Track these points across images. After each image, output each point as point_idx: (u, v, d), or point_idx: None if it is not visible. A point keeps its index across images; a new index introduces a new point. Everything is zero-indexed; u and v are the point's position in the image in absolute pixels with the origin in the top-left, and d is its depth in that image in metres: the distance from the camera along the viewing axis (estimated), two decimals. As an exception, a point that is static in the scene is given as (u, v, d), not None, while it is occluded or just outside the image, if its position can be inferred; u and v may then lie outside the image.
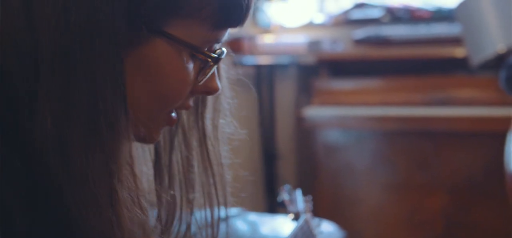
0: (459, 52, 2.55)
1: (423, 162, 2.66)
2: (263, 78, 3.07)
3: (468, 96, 2.58)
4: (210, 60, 0.67)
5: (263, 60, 2.99)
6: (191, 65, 0.66)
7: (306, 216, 1.08)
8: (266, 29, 3.27)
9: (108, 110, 0.59)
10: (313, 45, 2.98)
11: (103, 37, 0.59)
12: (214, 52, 0.68)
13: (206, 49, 0.67)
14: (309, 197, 1.14)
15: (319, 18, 3.24)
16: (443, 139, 2.62)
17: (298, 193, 1.15)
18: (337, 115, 2.80)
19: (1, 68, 0.60)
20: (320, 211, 2.76)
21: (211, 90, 0.71)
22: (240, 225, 1.27)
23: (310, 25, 3.25)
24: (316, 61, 2.93)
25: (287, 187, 1.14)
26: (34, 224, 0.59)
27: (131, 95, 0.62)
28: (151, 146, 0.78)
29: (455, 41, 2.55)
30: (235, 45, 3.07)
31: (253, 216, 1.32)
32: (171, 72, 0.64)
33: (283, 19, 3.27)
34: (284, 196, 1.10)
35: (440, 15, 2.91)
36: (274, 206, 2.84)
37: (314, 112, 2.81)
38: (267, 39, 3.15)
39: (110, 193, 0.60)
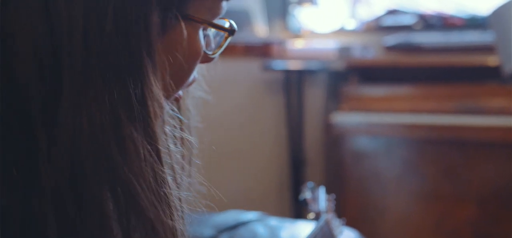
0: (491, 60, 2.51)
1: (452, 172, 2.62)
2: (292, 83, 3.06)
3: (499, 106, 2.53)
4: (226, 32, 0.71)
5: (293, 65, 2.98)
6: (203, 40, 0.69)
7: (327, 216, 1.05)
8: (297, 34, 3.27)
9: (152, 97, 0.60)
10: (344, 51, 2.96)
11: (137, 32, 0.59)
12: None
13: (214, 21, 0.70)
14: (332, 196, 1.11)
15: (351, 24, 3.22)
16: (473, 148, 2.58)
17: (321, 191, 1.12)
18: (366, 122, 2.77)
19: (14, 72, 0.58)
20: (346, 217, 2.74)
21: (212, 59, 0.74)
22: (260, 229, 1.26)
23: (341, 31, 3.23)
24: (346, 67, 2.91)
25: (310, 184, 1.12)
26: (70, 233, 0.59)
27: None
28: None
29: (488, 49, 2.51)
30: (265, 50, 3.07)
31: (274, 221, 1.31)
32: (191, 51, 0.67)
33: (314, 24, 3.26)
34: (306, 194, 1.08)
35: (474, 23, 2.87)
36: (301, 212, 2.82)
37: (343, 118, 2.79)
38: (297, 44, 3.14)
39: (162, 180, 0.61)
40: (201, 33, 0.68)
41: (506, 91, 2.55)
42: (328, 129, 2.90)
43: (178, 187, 0.66)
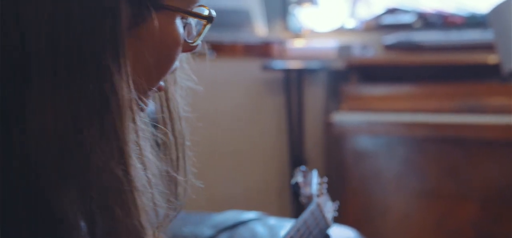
0: (491, 59, 2.51)
1: (453, 170, 2.62)
2: (293, 83, 3.05)
3: (500, 104, 2.53)
4: (204, 20, 0.70)
5: (293, 64, 2.98)
6: (182, 29, 0.69)
7: (318, 199, 1.03)
8: (297, 34, 3.26)
9: (115, 96, 0.60)
10: (344, 50, 2.95)
11: (106, 25, 0.59)
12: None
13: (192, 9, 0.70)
14: (325, 179, 1.10)
15: (350, 23, 3.22)
16: (474, 147, 2.58)
17: (314, 175, 1.10)
18: (366, 121, 2.77)
19: None
20: (347, 217, 2.75)
21: (196, 46, 0.74)
22: (259, 228, 1.26)
23: (341, 30, 3.22)
24: (346, 66, 2.91)
25: (303, 168, 1.10)
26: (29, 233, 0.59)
27: (133, 72, 0.63)
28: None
29: (488, 47, 2.51)
30: (265, 49, 3.07)
31: (273, 220, 1.31)
32: (170, 41, 0.67)
33: (314, 23, 3.26)
34: (297, 178, 1.06)
35: (473, 21, 2.86)
36: (300, 208, 2.82)
37: (343, 117, 2.79)
38: (297, 44, 3.14)
39: (128, 181, 0.60)
40: (178, 22, 0.68)
41: (506, 90, 2.54)
42: (329, 128, 2.90)
43: (150, 185, 0.65)
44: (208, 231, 1.26)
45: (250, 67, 3.01)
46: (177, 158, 0.81)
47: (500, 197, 2.52)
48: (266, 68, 2.97)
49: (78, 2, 0.58)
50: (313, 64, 2.98)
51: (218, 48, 2.83)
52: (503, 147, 2.51)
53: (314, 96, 3.14)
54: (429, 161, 2.69)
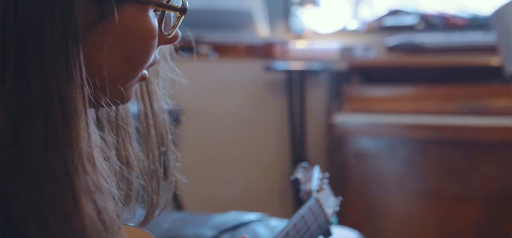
0: (494, 61, 2.51)
1: (455, 172, 2.62)
2: (295, 84, 3.05)
3: (502, 106, 2.52)
4: (177, 11, 0.69)
5: (295, 65, 2.98)
6: (155, 21, 0.68)
7: (317, 195, 1.02)
8: (299, 35, 3.26)
9: (63, 98, 0.59)
10: (346, 51, 2.95)
11: (57, 24, 0.59)
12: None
13: (165, 2, 0.69)
14: (326, 174, 1.09)
15: (353, 25, 3.22)
16: (476, 149, 2.58)
17: (315, 171, 1.09)
18: (368, 122, 2.77)
19: None
20: (349, 218, 2.75)
21: (175, 39, 0.73)
22: (260, 229, 1.26)
23: (343, 31, 3.23)
24: (348, 67, 2.91)
25: (304, 164, 1.09)
26: None
27: (108, 65, 0.64)
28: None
29: (490, 49, 2.51)
30: (267, 50, 3.07)
31: (274, 221, 1.31)
32: (142, 33, 0.66)
33: (316, 25, 3.26)
34: (297, 174, 1.04)
35: (476, 23, 2.86)
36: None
37: (345, 119, 2.79)
38: (299, 45, 3.14)
39: (69, 182, 0.59)
40: (151, 14, 0.67)
41: (508, 92, 2.54)
42: (330, 129, 2.90)
43: (99, 187, 0.63)
44: (209, 232, 1.26)
45: (252, 68, 3.01)
46: (159, 152, 0.80)
47: (501, 198, 2.51)
48: (268, 69, 2.98)
49: None
50: (315, 65, 2.98)
51: (220, 49, 2.83)
52: (505, 148, 2.51)
53: (316, 97, 3.14)
54: (430, 162, 2.69)
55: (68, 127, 0.59)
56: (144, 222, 0.80)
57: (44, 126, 0.58)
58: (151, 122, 0.80)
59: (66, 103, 0.59)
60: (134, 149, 0.79)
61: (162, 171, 0.81)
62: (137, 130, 0.79)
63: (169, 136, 0.82)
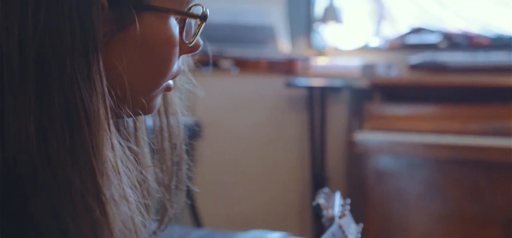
0: (517, 81, 2.48)
1: (476, 193, 2.59)
2: (316, 101, 3.05)
3: (525, 128, 2.49)
4: (197, 19, 0.69)
5: (316, 82, 2.97)
6: (176, 30, 0.67)
7: (340, 221, 1.01)
8: (321, 51, 3.26)
9: (86, 108, 0.59)
10: (367, 68, 2.94)
11: (76, 35, 0.58)
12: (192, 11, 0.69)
13: (186, 10, 0.68)
14: (348, 201, 1.08)
15: (375, 42, 3.21)
16: (498, 170, 2.54)
17: (337, 197, 1.08)
18: (389, 141, 2.75)
19: None
20: (368, 235, 2.72)
21: (196, 48, 0.72)
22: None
23: (365, 49, 3.22)
24: (370, 85, 2.90)
25: (325, 189, 1.08)
26: None
27: (129, 74, 0.64)
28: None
29: (514, 70, 2.49)
30: (289, 66, 3.07)
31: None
32: (163, 42, 0.66)
33: (338, 41, 3.25)
34: (319, 199, 1.04)
35: (500, 43, 2.84)
36: (322, 230, 2.80)
37: (366, 137, 2.77)
38: (321, 61, 3.13)
39: (97, 192, 0.59)
40: (172, 22, 0.67)
41: (532, 113, 2.51)
42: (351, 147, 2.88)
43: (125, 198, 0.63)
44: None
45: (273, 84, 3.02)
46: (172, 163, 0.80)
47: (524, 221, 2.48)
48: (289, 85, 2.97)
49: (46, 9, 0.57)
50: (337, 82, 2.97)
51: (242, 64, 2.83)
52: (528, 170, 2.48)
53: (337, 114, 3.13)
54: (451, 183, 2.66)
55: (93, 137, 0.59)
56: (154, 233, 0.80)
57: (69, 137, 0.58)
58: (166, 134, 0.80)
59: (90, 113, 0.59)
60: (150, 160, 0.79)
61: (175, 182, 0.81)
62: (152, 141, 0.79)
63: (183, 146, 0.81)
